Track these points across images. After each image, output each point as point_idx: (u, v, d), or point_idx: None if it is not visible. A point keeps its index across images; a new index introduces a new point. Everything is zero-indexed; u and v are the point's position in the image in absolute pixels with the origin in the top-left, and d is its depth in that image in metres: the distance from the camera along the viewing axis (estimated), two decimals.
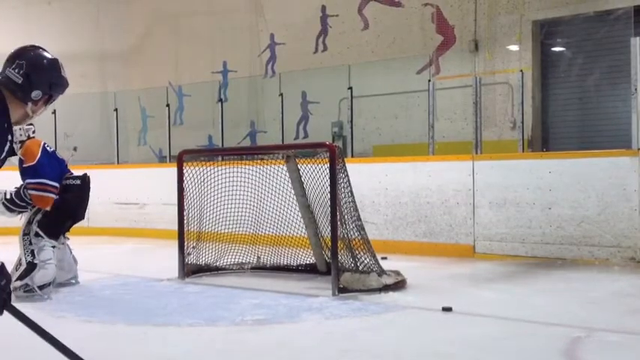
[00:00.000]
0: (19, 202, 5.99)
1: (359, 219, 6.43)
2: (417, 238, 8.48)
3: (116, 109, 12.53)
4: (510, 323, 4.88)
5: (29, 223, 6.08)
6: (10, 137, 2.63)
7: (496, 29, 11.08)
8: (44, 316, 5.29)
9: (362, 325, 4.95)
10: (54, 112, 12.34)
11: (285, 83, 12.44)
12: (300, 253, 7.26)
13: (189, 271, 7.07)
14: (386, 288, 5.97)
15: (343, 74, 11.46)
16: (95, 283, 6.78)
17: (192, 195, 7.19)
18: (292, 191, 6.85)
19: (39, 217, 6.09)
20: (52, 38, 15.17)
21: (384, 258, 6.91)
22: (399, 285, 6.13)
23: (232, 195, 7.30)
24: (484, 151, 8.66)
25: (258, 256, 7.45)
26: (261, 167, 7.43)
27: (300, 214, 6.89)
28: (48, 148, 6.31)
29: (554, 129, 10.98)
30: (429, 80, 9.54)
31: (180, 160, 7.22)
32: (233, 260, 7.43)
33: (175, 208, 7.14)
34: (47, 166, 6.13)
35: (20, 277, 5.86)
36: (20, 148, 6.20)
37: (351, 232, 6.28)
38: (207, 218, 7.30)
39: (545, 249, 7.61)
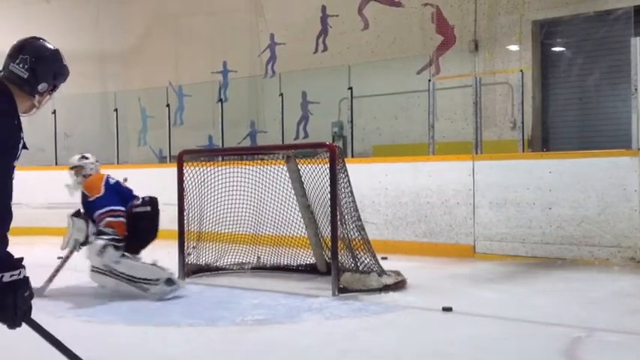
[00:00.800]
0: (107, 239, 6.06)
1: (359, 219, 6.43)
2: (417, 238, 8.48)
3: (116, 110, 12.53)
4: (510, 323, 4.88)
5: (109, 247, 6.06)
6: (22, 134, 2.61)
7: (496, 29, 11.07)
8: (45, 317, 5.29)
9: (362, 325, 4.95)
10: (54, 112, 12.35)
11: (285, 83, 12.43)
12: (301, 253, 7.26)
13: (190, 271, 7.07)
14: (386, 288, 5.97)
15: (343, 74, 11.45)
16: (95, 284, 6.77)
17: (192, 195, 7.19)
18: (292, 191, 6.85)
19: (111, 242, 6.14)
20: (52, 38, 14.96)
21: (384, 258, 6.91)
22: (399, 285, 6.13)
23: (232, 195, 7.30)
24: (484, 151, 8.66)
25: (258, 257, 7.45)
26: (262, 167, 7.43)
27: (300, 214, 6.89)
28: (110, 180, 6.53)
29: (554, 129, 10.98)
30: (429, 80, 9.54)
31: (181, 160, 7.22)
32: (233, 260, 7.43)
33: (175, 208, 7.14)
34: (110, 198, 6.32)
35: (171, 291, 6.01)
36: (82, 181, 6.52)
37: (352, 232, 6.28)
38: (208, 218, 7.30)
39: (545, 249, 7.61)
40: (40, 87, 2.71)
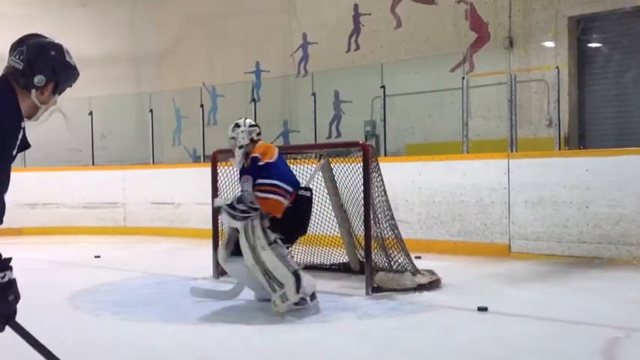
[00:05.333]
0: (239, 206, 5.30)
1: (392, 218, 6.40)
2: (451, 238, 8.42)
3: (151, 110, 12.68)
4: (547, 323, 4.81)
5: (264, 233, 5.27)
6: (22, 131, 2.52)
7: (531, 25, 10.94)
8: (81, 315, 5.39)
9: (397, 324, 4.93)
10: (90, 114, 12.54)
11: (317, 82, 12.44)
12: (334, 252, 7.26)
13: (223, 270, 7.09)
14: (420, 287, 5.94)
15: (376, 73, 11.42)
16: (131, 282, 6.86)
17: (226, 194, 7.23)
18: (325, 190, 6.85)
19: (267, 223, 5.30)
20: (88, 41, 15.42)
21: (417, 257, 6.88)
22: (434, 284, 6.09)
23: None
24: (519, 149, 8.57)
25: (291, 255, 7.45)
26: (294, 167, 7.43)
27: (333, 214, 6.88)
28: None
29: (591, 126, 10.81)
30: (463, 78, 9.47)
31: (215, 159, 7.27)
32: None
33: (209, 208, 7.18)
34: (284, 168, 5.56)
35: (296, 290, 5.18)
36: (244, 152, 5.59)
37: (385, 231, 6.26)
38: None
39: (582, 248, 7.50)
40: (36, 79, 2.53)
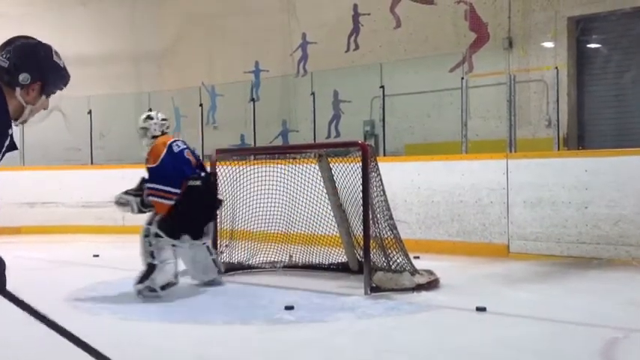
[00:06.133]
0: (144, 209, 6.17)
1: (391, 218, 6.40)
2: (449, 238, 8.42)
3: (150, 109, 12.65)
4: (545, 324, 4.81)
5: (149, 224, 6.00)
6: (10, 131, 2.49)
7: (530, 26, 10.94)
8: (80, 314, 5.39)
9: (396, 324, 4.93)
10: (89, 112, 12.53)
11: (316, 82, 12.45)
12: (332, 251, 7.26)
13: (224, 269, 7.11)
14: (419, 287, 5.94)
15: (375, 73, 11.43)
16: (130, 282, 6.84)
17: (225, 194, 7.22)
18: (324, 190, 6.85)
19: (158, 217, 5.98)
20: (87, 40, 15.43)
21: (416, 257, 6.87)
22: (432, 284, 6.09)
23: (264, 194, 7.33)
24: (518, 149, 8.57)
25: (290, 255, 7.46)
26: (293, 166, 7.44)
27: (332, 213, 6.89)
28: (175, 147, 6.08)
29: (590, 127, 10.82)
30: (462, 78, 9.47)
31: (214, 159, 7.26)
32: (265, 259, 7.46)
33: None
34: (169, 169, 5.98)
35: (141, 280, 5.85)
36: (152, 143, 6.19)
37: (384, 231, 6.25)
38: (240, 217, 7.34)
39: (581, 249, 7.50)
40: (21, 77, 2.51)
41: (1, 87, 2.49)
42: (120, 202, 6.30)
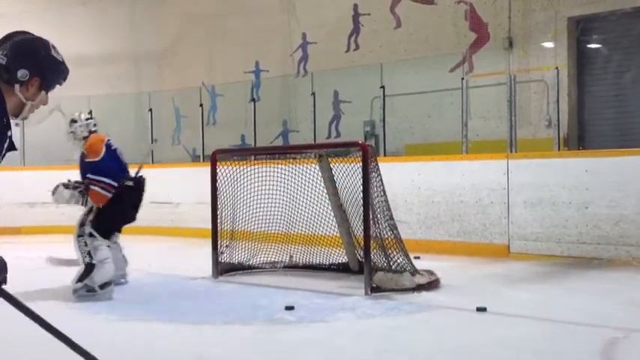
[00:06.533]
0: (72, 189, 6.20)
1: (391, 218, 6.40)
2: (450, 238, 8.41)
3: (151, 110, 12.66)
4: (546, 324, 4.81)
5: (82, 225, 6.11)
6: (9, 132, 2.47)
7: (531, 26, 10.94)
8: (80, 315, 5.39)
9: (396, 324, 4.92)
10: (90, 112, 12.50)
11: (317, 82, 12.45)
12: (333, 252, 7.25)
13: (223, 269, 7.11)
14: (419, 288, 5.93)
15: (375, 73, 11.43)
16: (130, 282, 6.85)
17: (225, 194, 7.23)
18: (324, 190, 6.85)
19: (91, 217, 6.13)
20: (87, 40, 15.42)
21: (416, 257, 6.87)
22: (433, 285, 6.08)
23: (265, 194, 7.32)
24: (519, 149, 8.56)
25: (290, 255, 7.46)
26: (294, 166, 7.44)
27: (332, 213, 6.88)
28: (112, 145, 6.38)
29: (590, 127, 10.81)
30: (463, 78, 9.46)
31: (214, 159, 7.26)
32: (266, 259, 7.46)
33: (209, 207, 7.19)
34: (109, 164, 6.22)
35: (80, 279, 5.93)
36: (83, 143, 6.33)
37: (384, 232, 6.25)
38: (240, 217, 7.34)
39: (581, 249, 7.50)
40: (19, 74, 2.47)
41: (0, 90, 2.44)
42: (58, 193, 6.36)
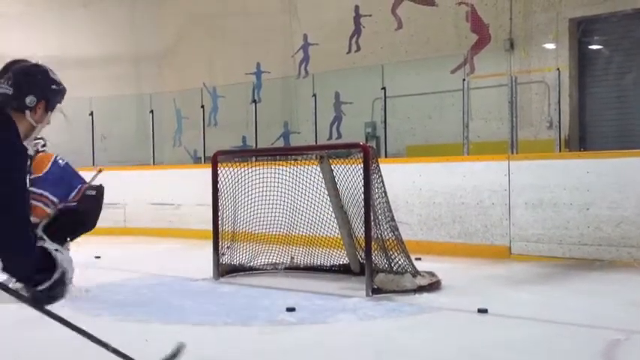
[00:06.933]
0: None
1: (393, 219, 6.40)
2: (451, 239, 8.41)
3: (152, 111, 12.66)
4: (547, 325, 4.81)
5: (34, 226, 6.15)
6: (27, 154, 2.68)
7: (532, 27, 10.93)
8: (81, 315, 5.38)
9: (397, 326, 4.93)
10: (91, 114, 12.54)
11: (318, 84, 12.43)
12: (334, 253, 7.25)
13: (224, 271, 7.11)
14: (420, 289, 5.93)
15: (376, 74, 11.41)
16: (131, 283, 6.86)
17: (226, 195, 7.23)
18: (326, 192, 6.84)
19: (45, 221, 6.15)
20: (88, 41, 15.42)
21: (418, 259, 6.86)
22: (434, 286, 6.08)
23: (266, 195, 7.32)
24: (520, 150, 8.56)
25: (291, 257, 7.46)
26: (295, 168, 7.44)
27: (333, 215, 6.88)
28: (60, 162, 6.35)
29: (591, 128, 10.80)
30: (464, 79, 9.46)
31: (215, 160, 7.27)
32: (267, 260, 7.45)
33: (210, 209, 7.19)
34: (54, 179, 6.18)
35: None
36: (31, 163, 6.26)
37: (385, 233, 6.25)
38: (242, 218, 7.33)
39: (582, 250, 7.49)
40: (27, 100, 2.67)
41: (9, 115, 2.60)
42: None
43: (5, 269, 2.63)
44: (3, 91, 2.67)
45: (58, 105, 2.78)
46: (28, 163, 6.19)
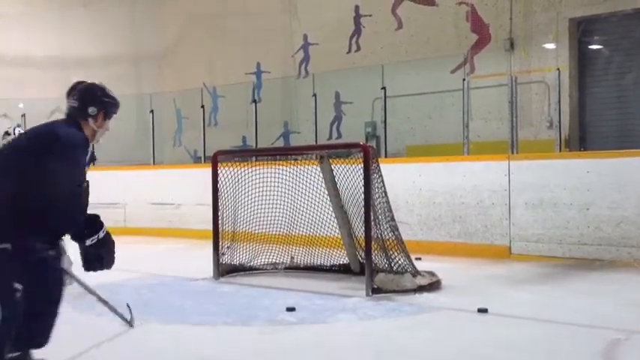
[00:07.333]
0: None
1: (393, 219, 6.40)
2: (451, 239, 8.41)
3: (152, 111, 12.66)
4: (547, 325, 4.81)
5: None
6: (90, 148, 3.72)
7: (532, 27, 10.93)
8: (82, 315, 5.38)
9: (397, 325, 4.93)
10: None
11: (318, 84, 12.43)
12: (334, 253, 7.25)
13: (224, 270, 7.11)
14: (420, 289, 5.94)
15: (377, 74, 11.41)
16: (131, 283, 6.85)
17: (226, 195, 7.23)
18: (326, 191, 6.84)
19: None
20: (88, 41, 15.42)
21: (418, 259, 6.86)
22: (434, 286, 6.08)
23: (266, 195, 7.32)
24: (520, 150, 8.56)
25: (291, 256, 7.46)
26: (295, 168, 7.44)
27: (333, 215, 6.88)
28: None
29: (591, 128, 10.80)
30: (464, 79, 9.46)
31: (215, 160, 7.26)
32: (267, 260, 7.45)
33: (210, 209, 7.19)
34: None
35: None
36: None
37: (385, 233, 6.25)
38: (242, 218, 7.33)
39: (582, 250, 7.49)
40: (89, 110, 3.66)
41: (78, 121, 3.66)
42: None
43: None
44: (72, 104, 3.68)
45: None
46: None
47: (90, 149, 3.71)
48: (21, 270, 3.43)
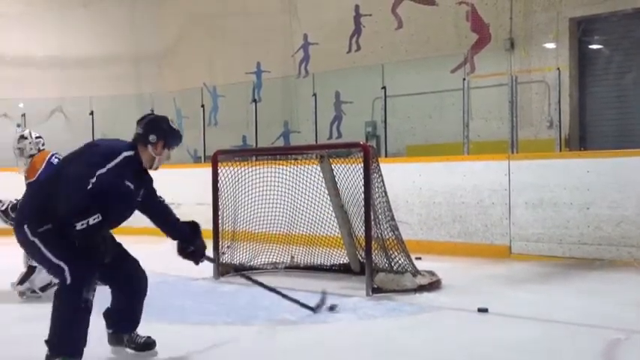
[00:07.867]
0: (5, 217, 6.01)
1: (393, 219, 6.40)
2: (451, 239, 8.41)
3: (152, 110, 12.66)
4: (547, 325, 4.81)
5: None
6: (147, 177, 4.24)
7: (532, 27, 10.92)
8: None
9: (397, 325, 4.93)
10: (91, 113, 12.55)
11: (318, 83, 12.42)
12: (334, 252, 7.25)
13: (224, 270, 7.11)
14: (420, 288, 5.94)
15: (377, 74, 11.40)
16: None
17: (226, 195, 7.23)
18: (326, 191, 6.85)
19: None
20: (88, 41, 15.42)
21: (418, 258, 6.87)
22: (434, 285, 6.09)
23: (266, 195, 7.32)
24: (520, 150, 8.56)
25: (292, 256, 7.46)
26: (295, 167, 7.44)
27: (333, 214, 6.88)
28: (54, 160, 6.17)
29: (591, 128, 10.80)
30: (464, 79, 9.46)
31: (215, 160, 7.27)
32: (267, 260, 7.46)
33: (210, 208, 7.19)
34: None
35: (21, 281, 6.03)
36: (30, 161, 6.25)
37: (385, 232, 6.25)
38: (242, 218, 7.34)
39: (582, 250, 7.49)
40: (150, 137, 3.98)
41: (137, 147, 3.98)
42: None
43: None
44: (137, 131, 4.01)
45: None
46: (29, 160, 6.27)
47: (147, 176, 4.21)
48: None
